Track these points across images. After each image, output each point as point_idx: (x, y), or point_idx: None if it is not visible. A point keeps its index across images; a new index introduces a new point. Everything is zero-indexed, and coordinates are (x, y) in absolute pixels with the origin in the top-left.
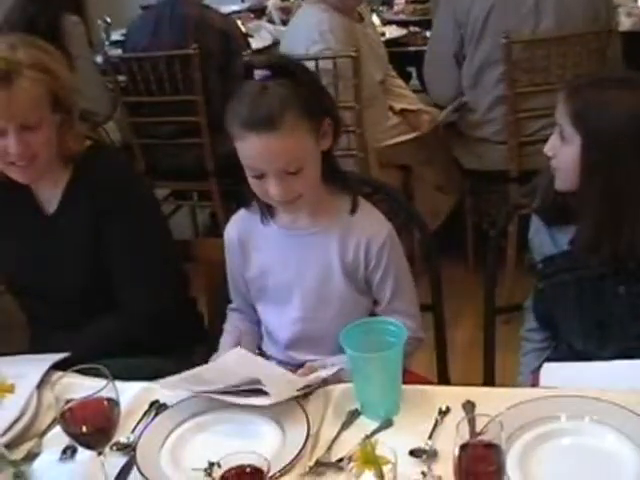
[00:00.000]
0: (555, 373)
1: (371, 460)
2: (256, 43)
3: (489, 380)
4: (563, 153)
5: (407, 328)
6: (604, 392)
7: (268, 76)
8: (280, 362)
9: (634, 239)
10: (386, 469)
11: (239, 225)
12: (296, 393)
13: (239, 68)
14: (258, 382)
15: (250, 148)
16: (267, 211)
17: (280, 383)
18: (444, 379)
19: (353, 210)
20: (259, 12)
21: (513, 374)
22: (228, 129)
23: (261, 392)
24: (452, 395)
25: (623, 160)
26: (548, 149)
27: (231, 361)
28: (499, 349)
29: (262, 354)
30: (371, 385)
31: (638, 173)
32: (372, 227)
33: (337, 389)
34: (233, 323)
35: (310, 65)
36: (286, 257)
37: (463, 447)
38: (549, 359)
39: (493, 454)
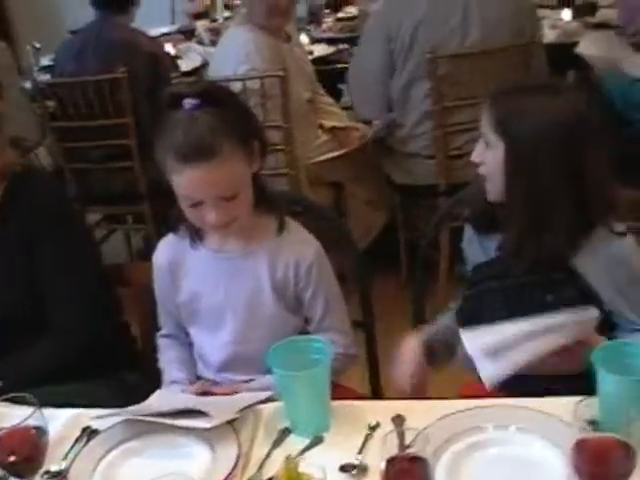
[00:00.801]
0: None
1: (294, 478)
2: (185, 65)
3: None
4: (489, 160)
5: (339, 345)
6: (530, 400)
7: (197, 105)
8: (215, 384)
9: (556, 247)
10: None
11: (168, 250)
12: (236, 415)
13: (165, 98)
14: (199, 404)
15: (187, 181)
16: (196, 235)
17: (219, 405)
18: (377, 394)
19: (280, 230)
20: (189, 34)
21: (450, 386)
22: (160, 161)
23: (200, 414)
24: (382, 409)
25: (545, 166)
26: (475, 156)
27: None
28: None
29: (199, 377)
30: (299, 403)
31: (560, 180)
32: (300, 247)
33: (267, 408)
34: (166, 352)
35: (238, 85)
36: (216, 280)
37: (390, 461)
38: None
39: (419, 467)
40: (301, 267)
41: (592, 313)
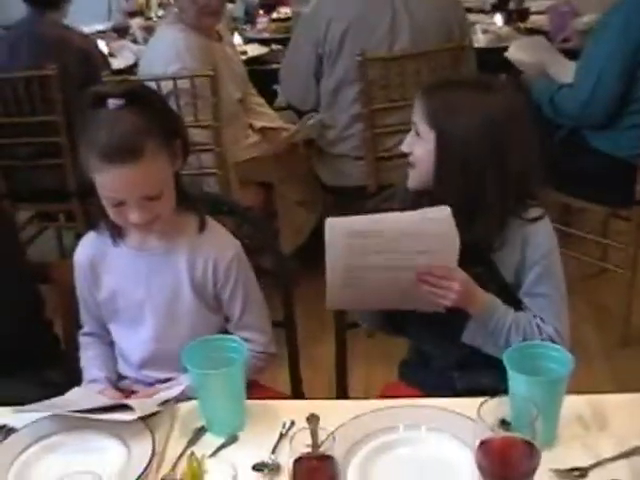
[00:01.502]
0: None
1: (197, 476)
2: (118, 63)
3: (342, 393)
4: (418, 150)
5: (258, 343)
6: (441, 400)
7: (121, 105)
8: (136, 381)
9: (482, 237)
10: None
11: (89, 247)
12: (157, 408)
13: (88, 97)
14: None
15: (111, 181)
16: (117, 233)
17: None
18: (298, 393)
19: (201, 229)
20: (123, 32)
21: (378, 385)
22: (83, 161)
23: (121, 408)
24: (298, 409)
25: (473, 159)
26: (404, 146)
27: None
28: (363, 362)
29: (120, 376)
30: (215, 402)
31: (490, 173)
32: (220, 245)
33: (182, 407)
34: (87, 351)
35: (168, 85)
36: (137, 278)
37: (297, 460)
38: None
39: (327, 466)
40: (220, 265)
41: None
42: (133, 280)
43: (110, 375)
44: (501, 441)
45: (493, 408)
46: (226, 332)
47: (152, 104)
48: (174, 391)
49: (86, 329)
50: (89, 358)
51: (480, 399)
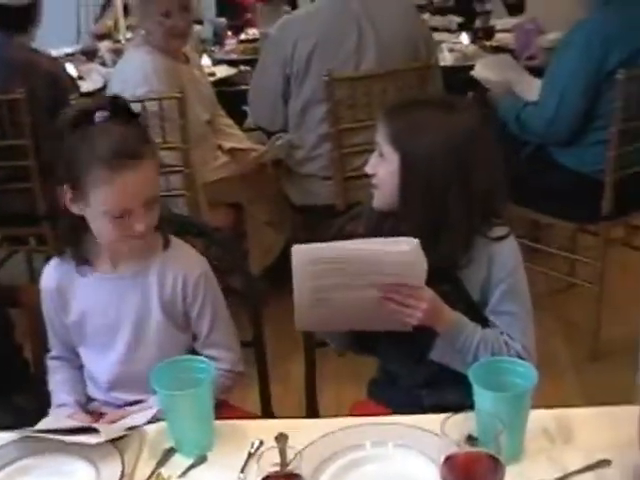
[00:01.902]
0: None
1: None
2: (87, 85)
3: (311, 412)
4: (382, 171)
5: (226, 361)
6: (408, 418)
7: (107, 117)
8: (105, 403)
9: (448, 256)
10: None
11: (55, 273)
12: (123, 433)
13: (70, 117)
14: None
15: (118, 189)
16: (83, 261)
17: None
18: (268, 413)
19: (165, 246)
20: (91, 55)
21: (348, 403)
22: (82, 180)
23: (89, 431)
24: (267, 428)
25: (437, 179)
26: (369, 167)
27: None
28: (333, 381)
29: (89, 399)
30: (183, 422)
31: (454, 193)
32: (187, 262)
33: (151, 428)
34: (55, 374)
35: (137, 107)
36: (106, 302)
37: (265, 479)
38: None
39: None
40: (189, 281)
41: (402, 247)
42: (102, 304)
43: (79, 398)
44: (465, 456)
45: (460, 424)
46: (194, 351)
47: (131, 112)
48: (141, 418)
49: (54, 353)
50: (57, 382)
51: (445, 415)
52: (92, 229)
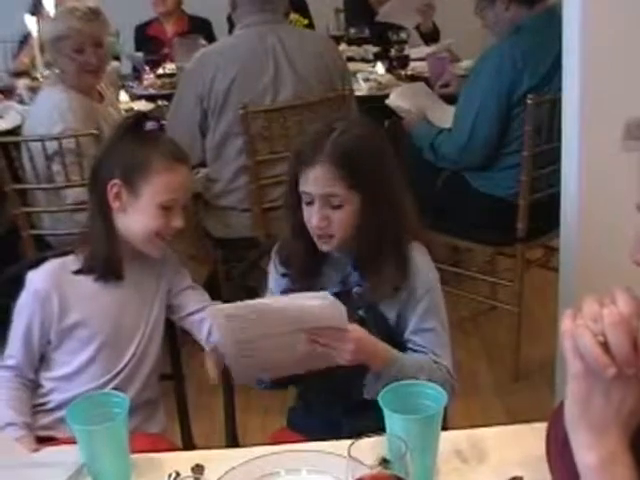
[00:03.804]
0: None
1: None
2: (5, 124)
3: (232, 442)
4: (339, 216)
5: None
6: (321, 444)
7: (158, 126)
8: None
9: (390, 283)
10: None
11: (53, 277)
12: None
13: (129, 120)
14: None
15: (176, 177)
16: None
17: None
18: (188, 445)
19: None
20: (9, 92)
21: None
22: (140, 172)
23: None
24: (183, 460)
25: (394, 198)
26: (320, 223)
27: None
28: (259, 410)
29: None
30: (99, 457)
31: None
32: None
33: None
34: (2, 389)
35: (53, 145)
36: (114, 306)
37: None
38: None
39: None
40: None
41: (318, 301)
42: (110, 309)
43: (27, 420)
44: (373, 479)
45: (373, 447)
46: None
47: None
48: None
49: (10, 362)
50: (4, 397)
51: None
52: (129, 225)
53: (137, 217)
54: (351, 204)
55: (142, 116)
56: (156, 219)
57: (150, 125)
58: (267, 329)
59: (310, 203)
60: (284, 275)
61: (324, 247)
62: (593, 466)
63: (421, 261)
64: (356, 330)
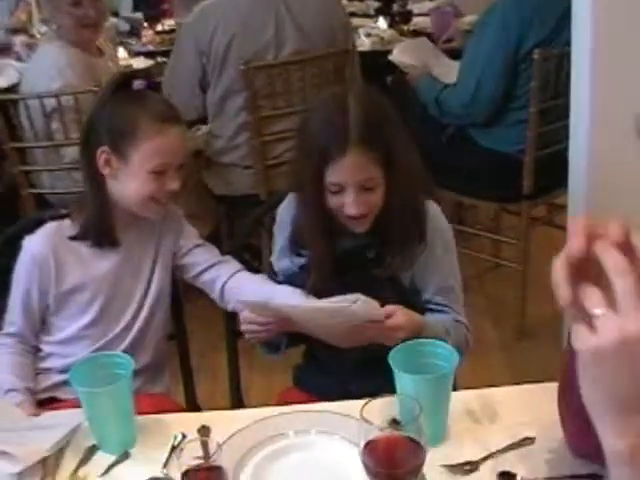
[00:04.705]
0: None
1: None
2: (2, 82)
3: (237, 403)
4: (373, 199)
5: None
6: (329, 404)
7: (145, 85)
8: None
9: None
10: None
11: (49, 241)
12: (47, 453)
13: (106, 86)
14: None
15: (168, 139)
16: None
17: (31, 442)
18: (193, 406)
19: None
20: (5, 50)
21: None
22: (128, 137)
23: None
24: (189, 421)
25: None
26: (361, 210)
27: None
28: (263, 369)
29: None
30: (104, 419)
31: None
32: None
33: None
34: (4, 355)
35: (52, 102)
36: (111, 271)
37: (185, 473)
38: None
39: (217, 476)
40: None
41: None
42: (107, 274)
43: (29, 385)
44: (386, 440)
45: (383, 408)
46: None
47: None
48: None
49: (11, 329)
50: (5, 363)
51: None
52: (122, 191)
53: (129, 183)
54: (382, 181)
55: (129, 75)
56: (149, 184)
57: (138, 84)
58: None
59: (339, 191)
60: (299, 255)
61: (358, 228)
62: (625, 454)
63: (438, 219)
64: (400, 313)
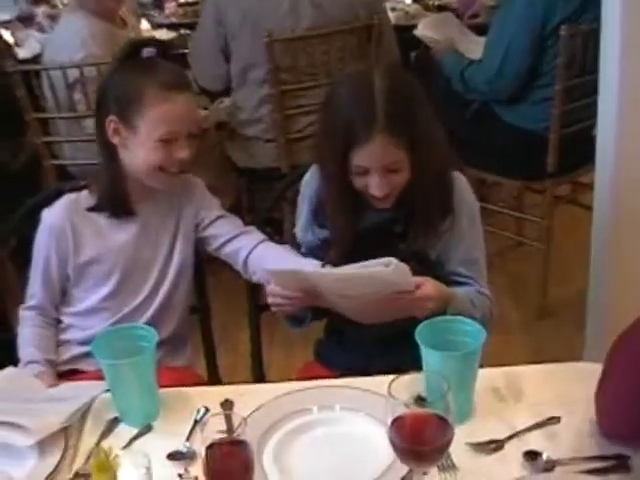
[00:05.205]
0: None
1: (105, 467)
2: (24, 52)
3: (258, 377)
4: (397, 180)
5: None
6: (354, 380)
7: (155, 52)
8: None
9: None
10: (140, 473)
11: (66, 212)
12: (60, 426)
13: (125, 47)
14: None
15: (175, 106)
16: (125, 210)
17: (46, 413)
18: (215, 379)
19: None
20: (28, 21)
21: (298, 366)
22: (135, 105)
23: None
24: (212, 395)
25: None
26: (385, 190)
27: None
28: (283, 344)
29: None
30: (127, 392)
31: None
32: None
33: (96, 399)
34: (25, 327)
35: (74, 73)
36: (129, 242)
37: (209, 447)
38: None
39: (241, 450)
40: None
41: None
42: (125, 245)
43: (50, 357)
44: (413, 417)
45: (408, 384)
46: None
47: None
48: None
49: (32, 302)
50: (28, 335)
51: (391, 377)
52: (132, 160)
53: (137, 152)
54: (407, 162)
55: (139, 43)
56: (156, 152)
57: (147, 52)
58: (334, 293)
59: (363, 173)
60: (322, 226)
61: (381, 205)
62: None
63: (465, 192)
64: (429, 284)
